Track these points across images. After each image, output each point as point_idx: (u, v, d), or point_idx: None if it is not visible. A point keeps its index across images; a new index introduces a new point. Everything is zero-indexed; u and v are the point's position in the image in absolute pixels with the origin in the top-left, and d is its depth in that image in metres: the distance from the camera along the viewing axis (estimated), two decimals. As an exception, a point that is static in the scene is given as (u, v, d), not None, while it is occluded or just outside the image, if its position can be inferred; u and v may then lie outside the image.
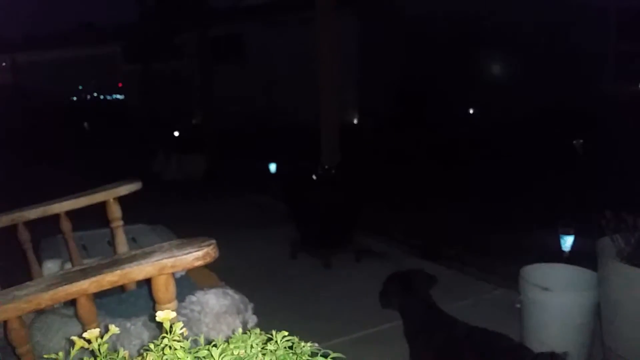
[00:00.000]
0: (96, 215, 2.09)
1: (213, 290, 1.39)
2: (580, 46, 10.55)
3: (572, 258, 2.68)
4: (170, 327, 0.73)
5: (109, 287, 1.10)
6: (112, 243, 2.00)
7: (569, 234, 2.82)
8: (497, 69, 11.85)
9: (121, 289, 1.76)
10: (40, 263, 2.01)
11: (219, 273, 2.15)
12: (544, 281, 2.35)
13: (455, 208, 4.86)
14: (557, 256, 2.74)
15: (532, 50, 10.82)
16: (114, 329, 0.81)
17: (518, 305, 2.38)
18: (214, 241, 1.16)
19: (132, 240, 2.33)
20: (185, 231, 1.61)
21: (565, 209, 3.71)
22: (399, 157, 7.21)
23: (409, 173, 6.40)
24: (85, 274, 1.09)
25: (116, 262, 1.12)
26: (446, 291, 2.97)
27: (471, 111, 11.77)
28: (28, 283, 1.16)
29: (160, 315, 0.74)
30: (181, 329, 0.73)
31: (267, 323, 1.08)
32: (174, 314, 0.75)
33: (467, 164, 6.65)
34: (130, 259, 1.12)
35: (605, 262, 2.18)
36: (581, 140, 3.89)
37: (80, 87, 20.47)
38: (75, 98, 19.80)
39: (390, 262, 3.56)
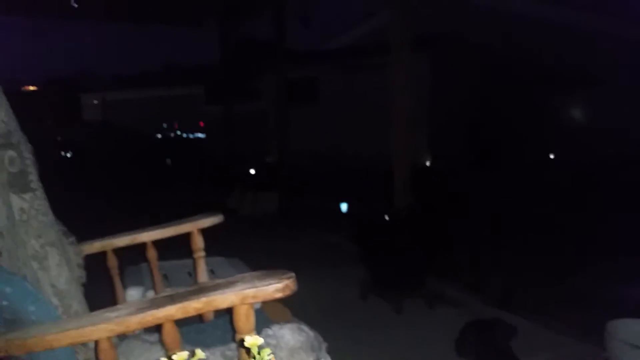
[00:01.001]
0: (172, 246, 2.19)
1: (288, 325, 1.40)
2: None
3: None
4: (259, 352, 0.75)
5: (194, 313, 1.14)
6: (192, 273, 2.08)
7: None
8: (577, 111, 11.41)
9: (200, 318, 1.81)
10: (123, 289, 2.12)
11: (289, 309, 2.17)
12: (634, 338, 2.17)
13: (534, 254, 4.64)
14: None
15: (615, 90, 10.34)
16: (200, 353, 0.84)
17: (603, 363, 2.22)
18: (293, 274, 1.18)
19: (211, 272, 2.40)
20: (259, 265, 1.65)
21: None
22: (472, 200, 7.02)
23: (484, 217, 6.20)
24: (172, 300, 1.15)
25: (201, 290, 1.16)
26: (524, 343, 2.82)
27: (551, 155, 11.32)
28: (119, 306, 1.23)
29: (248, 340, 0.76)
30: (269, 355, 0.75)
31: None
32: (261, 340, 0.76)
33: (546, 209, 6.37)
34: (215, 288, 1.16)
35: None
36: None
37: (164, 125, 21.70)
38: (159, 135, 21.00)
39: (464, 310, 3.43)
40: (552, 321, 3.14)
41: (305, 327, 1.42)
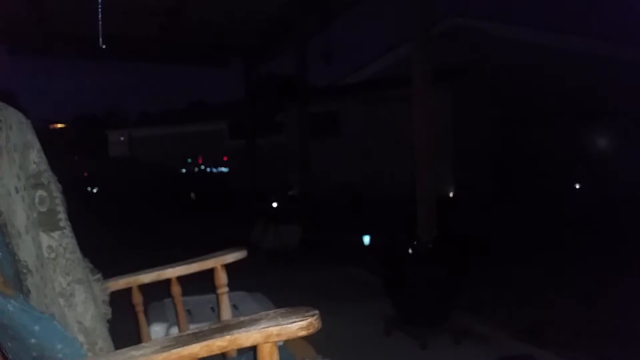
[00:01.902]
0: (192, 281, 2.20)
1: (312, 362, 1.39)
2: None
3: None
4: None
5: (218, 352, 1.13)
6: (215, 309, 2.07)
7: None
8: (602, 141, 11.25)
9: (222, 356, 1.80)
10: (147, 325, 2.12)
11: (312, 345, 2.15)
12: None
13: (563, 288, 4.52)
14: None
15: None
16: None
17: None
18: (317, 312, 1.17)
19: (234, 307, 2.40)
20: (281, 299, 1.65)
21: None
22: (498, 232, 6.91)
23: (510, 249, 6.09)
24: (196, 338, 1.14)
25: (226, 328, 1.16)
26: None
27: (577, 186, 11.14)
28: (143, 344, 1.23)
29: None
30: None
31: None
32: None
33: (574, 240, 6.23)
34: (239, 325, 1.15)
35: None
36: None
37: (189, 160, 22.08)
38: (184, 170, 21.35)
39: (492, 346, 3.33)
40: (584, 357, 3.02)
41: (328, 364, 1.41)
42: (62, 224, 1.54)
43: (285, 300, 1.38)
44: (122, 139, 24.10)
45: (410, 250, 3.59)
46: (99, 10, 5.83)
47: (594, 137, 11.20)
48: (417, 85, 4.16)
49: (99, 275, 1.71)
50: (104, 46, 6.71)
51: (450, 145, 10.61)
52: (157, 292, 2.20)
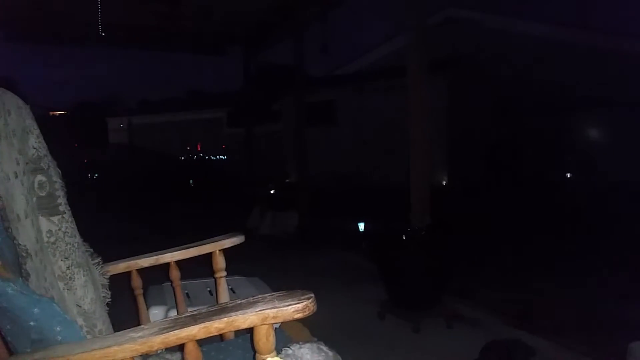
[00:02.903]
0: (193, 264, 2.25)
1: (307, 345, 1.43)
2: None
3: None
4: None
5: (216, 333, 1.16)
6: (213, 293, 2.12)
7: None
8: (594, 131, 11.30)
9: (220, 337, 1.85)
10: (147, 309, 2.17)
11: (308, 328, 2.20)
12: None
13: (552, 275, 4.59)
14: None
15: (632, 111, 10.23)
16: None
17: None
18: (312, 295, 1.19)
19: (232, 291, 2.44)
20: (278, 284, 1.69)
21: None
22: (490, 220, 6.98)
23: (502, 236, 6.16)
24: (195, 319, 1.18)
25: (223, 310, 1.19)
26: (545, 365, 2.80)
27: (568, 175, 11.22)
28: (142, 326, 1.25)
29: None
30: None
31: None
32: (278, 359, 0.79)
33: (565, 228, 6.29)
34: (236, 308, 1.19)
35: None
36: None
37: (187, 148, 22.05)
38: (182, 157, 21.33)
39: (483, 330, 3.40)
40: (573, 342, 3.09)
41: (324, 347, 1.44)
42: (61, 208, 1.56)
43: (282, 284, 1.41)
44: (122, 126, 23.98)
45: (403, 237, 3.63)
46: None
47: (587, 128, 11.25)
48: (412, 75, 4.19)
49: (98, 260, 1.74)
50: (103, 33, 6.69)
51: (445, 135, 10.64)
52: (157, 276, 2.25)
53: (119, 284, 1.93)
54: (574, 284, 4.32)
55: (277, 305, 1.16)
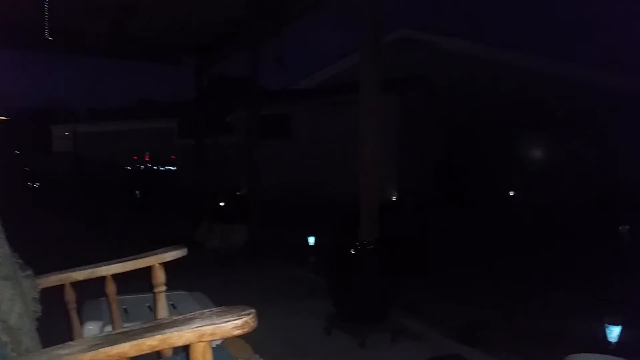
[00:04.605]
0: (134, 280, 2.17)
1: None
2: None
3: (618, 350, 2.54)
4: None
5: (148, 351, 1.11)
6: (152, 308, 2.04)
7: (615, 324, 2.69)
8: (538, 152, 11.82)
9: (157, 355, 1.78)
10: (81, 324, 2.07)
11: (252, 345, 2.15)
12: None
13: (494, 290, 4.72)
14: (603, 347, 2.60)
15: (576, 131, 10.78)
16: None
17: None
18: (253, 311, 1.16)
19: (172, 307, 2.37)
20: (223, 300, 1.64)
21: (611, 297, 3.56)
22: (437, 236, 7.13)
23: (448, 252, 6.30)
24: (126, 336, 1.12)
25: (158, 327, 1.14)
26: (486, 380, 2.85)
27: (511, 193, 11.67)
28: (70, 343, 1.19)
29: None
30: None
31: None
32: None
33: (507, 245, 6.51)
34: (171, 324, 1.14)
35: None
36: (627, 226, 3.77)
37: (135, 158, 21.50)
38: (129, 167, 20.77)
39: (427, 345, 3.44)
40: (513, 356, 3.17)
41: (261, 361, 1.42)
42: (-12, 217, 1.48)
43: (227, 300, 1.37)
44: (67, 134, 23.12)
45: (352, 251, 3.65)
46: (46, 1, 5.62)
47: (532, 147, 11.75)
48: (364, 92, 4.24)
49: (29, 272, 1.65)
50: (50, 38, 6.46)
51: (396, 152, 10.86)
52: (99, 290, 2.15)
53: (57, 298, 1.84)
54: (516, 298, 4.44)
55: (215, 322, 1.12)
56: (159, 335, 1.10)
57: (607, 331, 2.71)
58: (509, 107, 11.16)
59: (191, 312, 1.21)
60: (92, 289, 2.18)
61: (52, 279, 1.79)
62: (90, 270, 1.84)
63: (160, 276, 1.90)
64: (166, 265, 1.95)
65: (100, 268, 1.85)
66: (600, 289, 4.14)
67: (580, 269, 5.13)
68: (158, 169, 21.09)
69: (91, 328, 2.11)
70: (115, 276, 1.94)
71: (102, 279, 1.92)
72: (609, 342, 2.68)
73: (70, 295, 1.89)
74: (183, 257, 1.97)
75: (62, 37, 7.22)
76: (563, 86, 10.99)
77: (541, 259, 5.79)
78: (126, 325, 1.80)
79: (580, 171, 10.58)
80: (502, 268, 5.42)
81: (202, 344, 1.13)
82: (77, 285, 1.90)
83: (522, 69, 11.75)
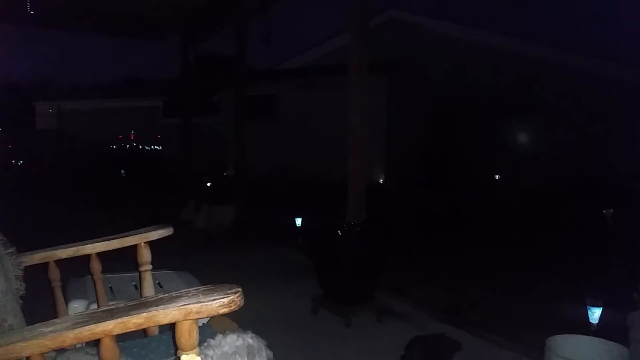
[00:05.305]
0: (123, 259, 2.15)
1: (230, 335, 1.40)
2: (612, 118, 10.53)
3: (600, 331, 2.59)
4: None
5: (134, 329, 1.11)
6: (138, 287, 2.04)
7: (597, 305, 2.74)
8: (523, 136, 11.91)
9: (144, 333, 1.78)
10: (66, 302, 2.06)
11: (239, 324, 2.15)
12: (571, 353, 2.27)
13: (479, 272, 4.78)
14: (585, 328, 2.65)
15: (560, 117, 10.88)
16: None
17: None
18: (240, 289, 1.16)
19: (158, 285, 2.36)
20: (210, 279, 1.64)
21: (593, 279, 3.62)
22: (423, 218, 7.19)
23: (434, 234, 6.36)
24: (111, 314, 1.12)
25: (143, 305, 1.14)
26: (468, 358, 2.90)
27: (497, 177, 11.78)
28: (54, 320, 1.18)
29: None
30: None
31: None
32: (198, 359, 0.76)
33: (492, 228, 6.58)
34: (157, 302, 1.14)
35: (637, 336, 2.10)
36: (611, 210, 3.82)
37: (120, 137, 21.25)
38: (114, 146, 20.54)
39: (412, 324, 3.49)
40: (497, 337, 3.23)
41: (245, 335, 1.42)
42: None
43: (214, 279, 1.36)
44: (50, 111, 22.71)
45: (339, 232, 3.66)
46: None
47: (517, 131, 11.83)
48: (352, 74, 4.22)
49: (12, 249, 1.63)
50: (32, 12, 6.29)
51: (383, 134, 10.86)
52: (83, 269, 2.13)
53: (43, 276, 1.82)
54: (501, 281, 4.51)
55: (202, 300, 1.12)
56: (145, 313, 1.10)
57: (589, 313, 2.76)
58: (497, 90, 11.20)
59: (175, 291, 1.20)
60: (77, 268, 2.17)
61: (36, 257, 1.78)
62: (74, 248, 1.83)
63: (145, 255, 1.90)
64: (152, 246, 1.94)
65: (85, 246, 1.84)
66: (583, 272, 4.21)
67: (564, 252, 5.21)
68: (144, 148, 20.87)
69: (76, 306, 2.10)
70: (101, 256, 1.93)
71: (88, 257, 1.91)
72: (591, 324, 2.74)
73: (54, 274, 1.87)
74: (169, 238, 1.97)
75: (45, 11, 7.03)
76: (550, 70, 11.03)
77: (526, 241, 5.86)
78: (112, 303, 1.79)
79: (565, 155, 10.71)
80: (487, 251, 5.49)
81: (188, 322, 1.13)
82: (62, 264, 1.89)
83: (511, 53, 11.76)
